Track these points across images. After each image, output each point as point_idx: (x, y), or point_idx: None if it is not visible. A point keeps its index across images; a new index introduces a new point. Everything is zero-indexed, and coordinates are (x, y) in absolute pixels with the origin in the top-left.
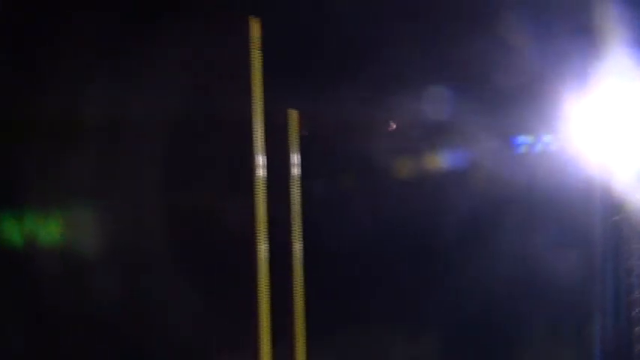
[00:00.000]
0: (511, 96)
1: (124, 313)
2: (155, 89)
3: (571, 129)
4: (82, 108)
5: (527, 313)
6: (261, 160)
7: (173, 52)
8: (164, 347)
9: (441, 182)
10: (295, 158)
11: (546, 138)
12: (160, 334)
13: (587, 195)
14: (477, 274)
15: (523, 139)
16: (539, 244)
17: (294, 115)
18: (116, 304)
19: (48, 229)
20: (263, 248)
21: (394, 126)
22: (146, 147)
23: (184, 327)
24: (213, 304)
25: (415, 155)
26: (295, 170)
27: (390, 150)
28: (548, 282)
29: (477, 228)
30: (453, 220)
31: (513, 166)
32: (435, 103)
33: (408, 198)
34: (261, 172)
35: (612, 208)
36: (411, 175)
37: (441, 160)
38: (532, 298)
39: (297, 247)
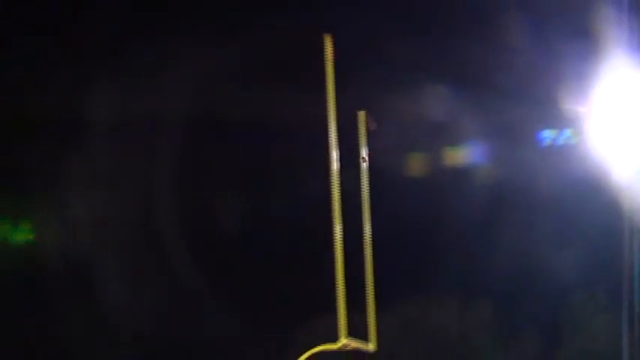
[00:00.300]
0: (550, 99)
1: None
2: (255, 97)
3: (604, 127)
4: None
5: (564, 297)
6: (335, 154)
7: (265, 65)
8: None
9: (493, 173)
10: (364, 152)
11: (578, 138)
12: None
13: (617, 189)
14: (518, 254)
15: (559, 136)
16: (576, 234)
17: (362, 115)
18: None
19: None
20: (338, 229)
21: (375, 125)
22: (244, 145)
23: (274, 294)
24: (298, 277)
25: (464, 146)
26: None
27: (443, 143)
28: (583, 269)
29: (520, 216)
30: (504, 210)
31: (554, 163)
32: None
33: (461, 184)
34: (335, 164)
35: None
36: (461, 164)
37: (493, 152)
38: (570, 282)
39: (367, 227)
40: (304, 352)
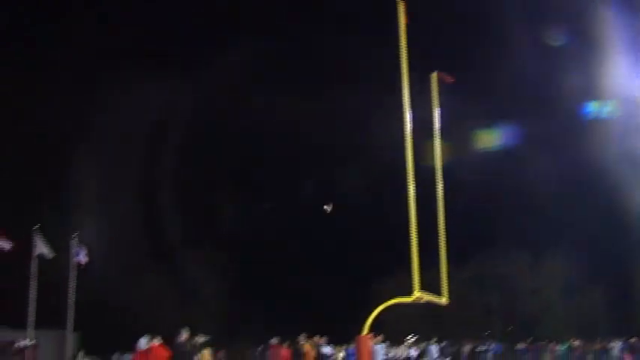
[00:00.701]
0: None
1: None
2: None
3: None
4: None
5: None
6: (408, 115)
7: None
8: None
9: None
10: (437, 113)
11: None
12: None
13: None
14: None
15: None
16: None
17: (435, 78)
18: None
19: None
20: (412, 188)
21: (329, 209)
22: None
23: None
24: (376, 237)
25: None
26: (437, 123)
27: (515, 110)
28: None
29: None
30: (568, 174)
31: None
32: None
33: (529, 146)
34: (409, 125)
35: None
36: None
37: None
38: None
39: (440, 187)
40: (382, 304)
